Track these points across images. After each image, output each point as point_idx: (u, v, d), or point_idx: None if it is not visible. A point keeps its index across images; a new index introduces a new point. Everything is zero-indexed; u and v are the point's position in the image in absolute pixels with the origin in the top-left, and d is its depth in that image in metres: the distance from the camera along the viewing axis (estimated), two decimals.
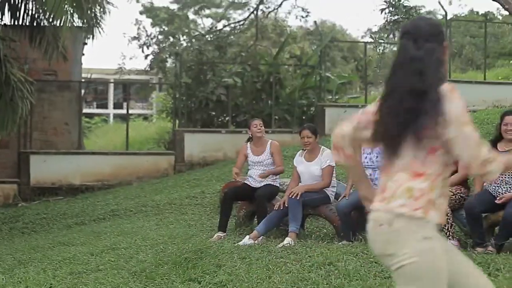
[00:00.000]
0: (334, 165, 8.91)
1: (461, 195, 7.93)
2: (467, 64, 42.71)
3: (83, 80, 21.83)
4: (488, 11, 44.52)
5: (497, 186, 7.66)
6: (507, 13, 11.19)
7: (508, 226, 7.35)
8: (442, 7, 20.74)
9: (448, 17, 21.43)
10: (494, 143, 7.89)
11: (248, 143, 9.72)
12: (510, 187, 7.57)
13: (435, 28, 3.43)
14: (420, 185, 3.26)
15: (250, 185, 9.45)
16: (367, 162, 8.61)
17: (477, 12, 46.31)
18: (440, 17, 42.50)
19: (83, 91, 21.61)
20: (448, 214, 7.64)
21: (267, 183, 9.41)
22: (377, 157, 8.55)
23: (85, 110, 30.89)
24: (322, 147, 9.08)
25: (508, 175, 7.58)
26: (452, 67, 23.17)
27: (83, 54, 21.28)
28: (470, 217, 7.56)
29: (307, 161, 8.98)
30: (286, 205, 8.58)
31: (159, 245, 8.42)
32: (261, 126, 9.62)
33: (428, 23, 3.44)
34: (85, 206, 14.81)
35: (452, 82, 19.42)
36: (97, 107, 53.98)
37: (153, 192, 15.37)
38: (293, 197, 8.56)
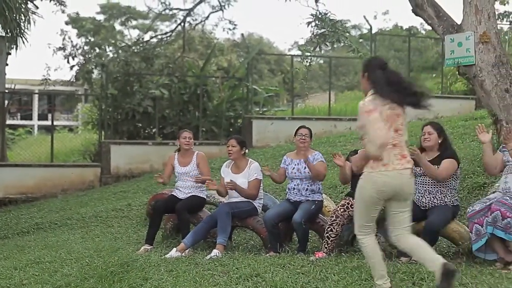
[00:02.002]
0: (262, 178, 8.98)
1: None
2: None
3: (6, 90, 21.41)
4: (412, 26, 45.53)
5: (421, 196, 7.80)
6: (430, 27, 11.41)
7: (429, 234, 7.47)
8: (367, 21, 21.11)
9: (373, 31, 21.81)
10: None
11: (176, 153, 9.70)
12: (433, 197, 7.72)
13: None
14: None
15: (177, 196, 9.42)
16: (295, 173, 8.70)
17: (402, 27, 47.31)
18: (365, 31, 43.24)
19: (6, 102, 21.19)
20: None
21: (193, 194, 9.39)
22: (304, 168, 8.64)
23: (8, 122, 30.28)
24: (250, 159, 9.12)
25: (431, 185, 7.74)
26: None
27: (7, 65, 20.89)
28: None
29: (234, 173, 9.01)
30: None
31: (85, 258, 8.30)
32: (190, 139, 9.61)
33: None
34: (9, 219, 14.53)
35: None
36: (21, 119, 53.01)
37: (78, 205, 15.19)
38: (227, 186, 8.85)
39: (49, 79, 22.75)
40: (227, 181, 8.92)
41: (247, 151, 9.22)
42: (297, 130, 8.91)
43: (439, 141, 7.89)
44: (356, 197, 5.82)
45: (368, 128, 5.53)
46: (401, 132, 5.73)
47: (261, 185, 9.05)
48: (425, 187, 7.79)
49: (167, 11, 25.66)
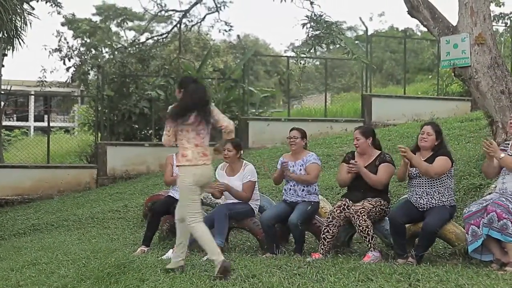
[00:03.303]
0: (256, 180, 8.99)
1: (382, 207, 8.04)
2: (388, 79, 43.56)
3: (2, 92, 21.39)
4: (408, 28, 45.67)
5: (419, 197, 7.79)
6: (425, 29, 11.44)
7: (426, 236, 7.50)
8: (363, 23, 21.19)
9: (369, 33, 21.83)
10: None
11: (174, 154, 9.70)
12: (431, 198, 7.71)
13: None
14: None
15: (174, 197, 9.42)
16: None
17: (397, 28, 47.42)
18: (361, 32, 43.27)
19: (2, 103, 21.17)
20: (369, 226, 7.76)
21: None
22: (300, 169, 8.65)
23: (4, 123, 30.26)
24: (245, 161, 9.12)
25: (428, 186, 7.74)
26: (373, 82, 23.55)
27: (3, 66, 20.87)
28: (394, 228, 7.66)
29: (228, 175, 9.03)
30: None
31: (81, 260, 8.30)
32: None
33: None
34: (5, 220, 14.53)
35: (373, 97, 19.86)
36: (17, 120, 52.86)
37: (75, 206, 15.18)
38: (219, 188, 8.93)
39: (45, 80, 22.70)
40: (218, 183, 8.94)
41: (242, 152, 9.23)
42: (289, 132, 8.93)
43: (436, 143, 7.89)
44: (182, 192, 7.18)
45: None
46: (203, 135, 7.62)
47: (258, 186, 9.06)
48: (423, 188, 7.77)
49: (163, 12, 25.58)
